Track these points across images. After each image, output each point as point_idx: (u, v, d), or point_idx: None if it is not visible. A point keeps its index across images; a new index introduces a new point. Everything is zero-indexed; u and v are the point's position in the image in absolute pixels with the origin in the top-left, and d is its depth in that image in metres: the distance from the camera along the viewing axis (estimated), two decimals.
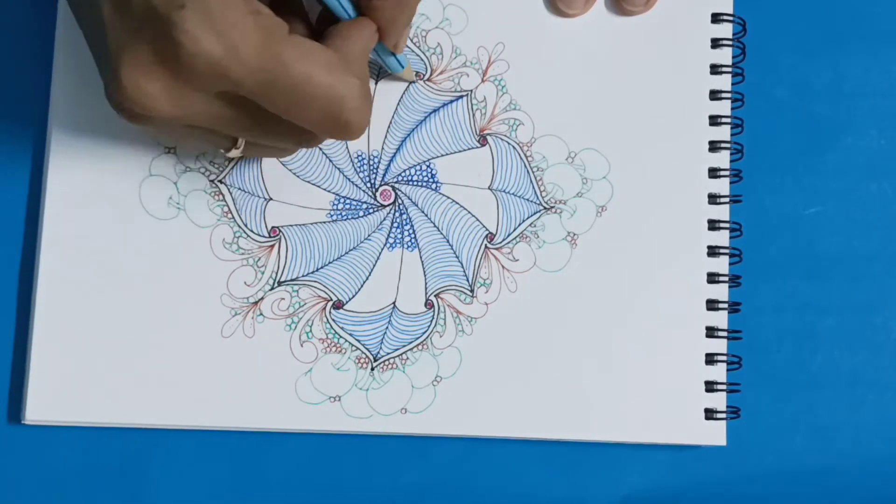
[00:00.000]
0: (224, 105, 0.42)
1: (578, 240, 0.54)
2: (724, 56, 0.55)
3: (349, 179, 0.53)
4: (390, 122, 0.54)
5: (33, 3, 0.53)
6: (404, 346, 0.53)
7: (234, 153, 0.45)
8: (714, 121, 0.55)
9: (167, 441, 0.52)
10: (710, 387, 0.54)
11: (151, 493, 0.53)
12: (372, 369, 0.53)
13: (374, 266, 0.53)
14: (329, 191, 0.53)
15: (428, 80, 0.54)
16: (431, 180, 0.54)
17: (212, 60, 0.39)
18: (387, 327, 0.53)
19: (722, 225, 0.55)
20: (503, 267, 0.54)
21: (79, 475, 0.52)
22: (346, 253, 0.53)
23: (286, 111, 0.41)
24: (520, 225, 0.54)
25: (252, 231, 0.53)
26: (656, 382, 0.54)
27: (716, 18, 0.55)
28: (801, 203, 0.57)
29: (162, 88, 0.40)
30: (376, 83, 0.54)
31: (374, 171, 0.54)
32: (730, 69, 0.55)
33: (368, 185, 0.53)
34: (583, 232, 0.54)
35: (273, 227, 0.53)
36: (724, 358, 0.54)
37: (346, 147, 0.53)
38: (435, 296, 0.53)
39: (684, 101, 0.55)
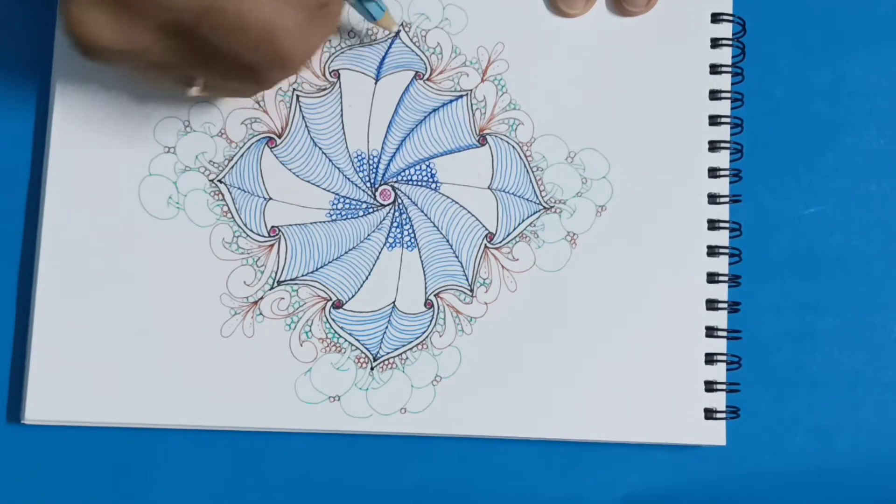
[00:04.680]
0: (169, 37, 0.42)
1: (578, 239, 0.54)
2: (724, 56, 0.55)
3: (349, 179, 0.53)
4: (390, 122, 0.54)
5: (31, 7, 0.53)
6: (404, 345, 0.53)
7: (194, 91, 0.45)
8: (714, 121, 0.55)
9: (167, 441, 0.52)
10: (710, 387, 0.54)
11: (151, 493, 0.53)
12: (371, 369, 0.53)
13: (373, 266, 0.53)
14: (329, 190, 0.53)
15: (428, 79, 0.54)
16: (431, 180, 0.54)
17: None
18: (386, 327, 0.53)
19: (722, 225, 0.54)
20: (503, 267, 0.54)
21: (78, 475, 0.52)
22: (346, 252, 0.53)
23: (227, 42, 0.41)
24: (519, 225, 0.54)
25: (252, 231, 0.53)
26: (656, 382, 0.53)
27: (715, 18, 0.55)
28: (800, 203, 0.56)
29: (109, 19, 0.40)
30: (376, 82, 0.54)
31: (374, 170, 0.54)
32: (729, 69, 0.55)
33: (368, 184, 0.53)
34: (582, 232, 0.54)
35: (273, 227, 0.53)
36: (724, 358, 0.54)
37: (346, 147, 0.53)
38: (435, 295, 0.53)
39: (684, 101, 0.55)
